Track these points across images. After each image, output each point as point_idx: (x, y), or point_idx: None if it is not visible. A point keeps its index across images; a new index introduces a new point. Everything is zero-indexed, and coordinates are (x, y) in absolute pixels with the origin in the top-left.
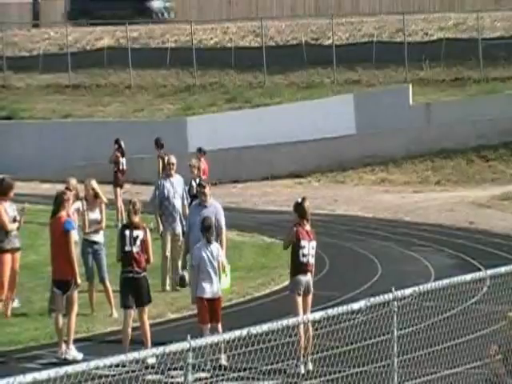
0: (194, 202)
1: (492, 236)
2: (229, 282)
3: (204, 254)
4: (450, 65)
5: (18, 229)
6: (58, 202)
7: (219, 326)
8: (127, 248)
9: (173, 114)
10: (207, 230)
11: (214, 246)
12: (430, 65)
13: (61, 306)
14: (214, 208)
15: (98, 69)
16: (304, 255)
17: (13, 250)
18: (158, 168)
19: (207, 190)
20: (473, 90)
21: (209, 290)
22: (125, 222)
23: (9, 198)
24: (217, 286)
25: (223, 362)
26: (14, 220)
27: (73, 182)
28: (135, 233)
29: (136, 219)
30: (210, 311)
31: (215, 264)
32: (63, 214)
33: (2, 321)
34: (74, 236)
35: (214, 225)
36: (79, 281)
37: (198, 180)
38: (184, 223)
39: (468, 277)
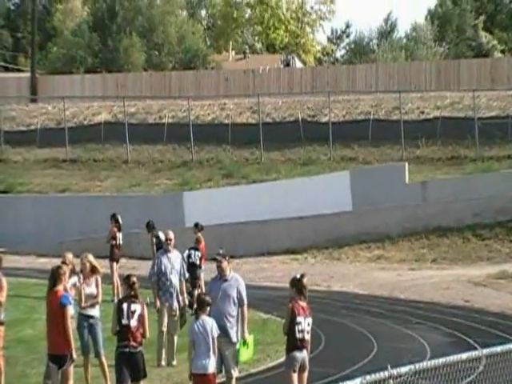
0: (211, 278)
1: (487, 314)
2: (250, 354)
3: (196, 330)
4: (446, 143)
5: None
6: (55, 276)
7: None
8: (124, 322)
9: (169, 189)
10: (199, 307)
11: (206, 321)
12: (426, 143)
13: (56, 380)
14: (236, 281)
15: (95, 143)
16: (300, 331)
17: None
18: (152, 248)
19: (224, 264)
20: (469, 168)
21: (201, 365)
22: (121, 296)
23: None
24: (210, 362)
25: None
26: None
27: (69, 256)
28: (133, 307)
29: (133, 293)
30: None
31: (208, 340)
32: (60, 288)
33: None
34: (71, 310)
35: (237, 297)
36: (75, 356)
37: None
38: (180, 299)
39: (464, 355)
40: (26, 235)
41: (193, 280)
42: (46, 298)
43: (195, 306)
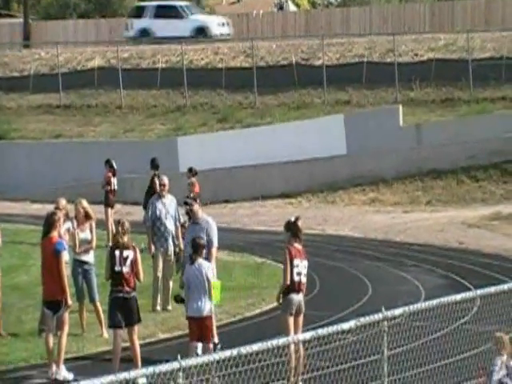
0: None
1: (482, 256)
2: (218, 297)
3: (191, 273)
4: (440, 85)
5: None
6: (49, 222)
7: (210, 345)
8: (117, 268)
9: (164, 135)
10: (194, 250)
11: (202, 264)
12: (421, 85)
13: (51, 326)
14: (206, 223)
15: (88, 89)
16: (297, 274)
17: None
18: (154, 188)
19: (195, 208)
20: (463, 110)
21: (196, 308)
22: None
23: None
24: (205, 305)
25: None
26: None
27: (62, 202)
28: (125, 253)
29: (125, 239)
30: (199, 330)
31: (203, 283)
32: (54, 234)
33: None
34: (65, 256)
35: (206, 239)
36: (70, 301)
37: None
38: (176, 243)
39: (458, 297)
40: (20, 181)
41: None
42: (41, 244)
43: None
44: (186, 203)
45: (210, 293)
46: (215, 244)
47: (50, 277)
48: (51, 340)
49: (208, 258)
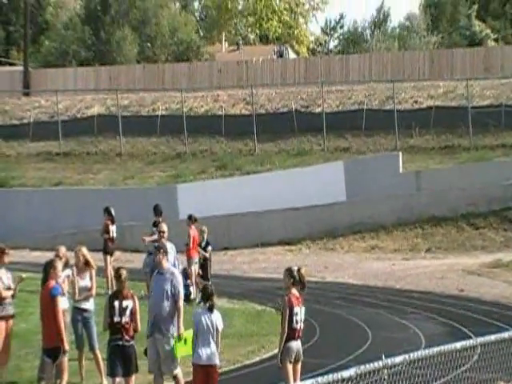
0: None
1: (482, 303)
2: (189, 349)
3: (203, 321)
4: (439, 132)
5: (12, 297)
6: (47, 270)
7: None
8: (116, 319)
9: (163, 182)
10: (208, 297)
11: (215, 314)
12: (420, 132)
13: (50, 374)
14: (171, 275)
15: (88, 137)
16: (297, 322)
17: (6, 318)
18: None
19: (158, 258)
20: (462, 157)
21: (204, 356)
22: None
23: (2, 263)
24: (213, 354)
25: None
26: (9, 288)
27: (62, 249)
28: (124, 303)
29: (124, 289)
30: (204, 378)
31: (213, 331)
32: (51, 281)
33: None
34: (64, 303)
35: (171, 291)
36: (67, 347)
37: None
38: None
39: (458, 344)
40: (19, 228)
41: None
42: (40, 292)
43: (196, 296)
44: (150, 253)
45: (218, 342)
46: (181, 296)
47: (48, 324)
48: None
49: (176, 311)
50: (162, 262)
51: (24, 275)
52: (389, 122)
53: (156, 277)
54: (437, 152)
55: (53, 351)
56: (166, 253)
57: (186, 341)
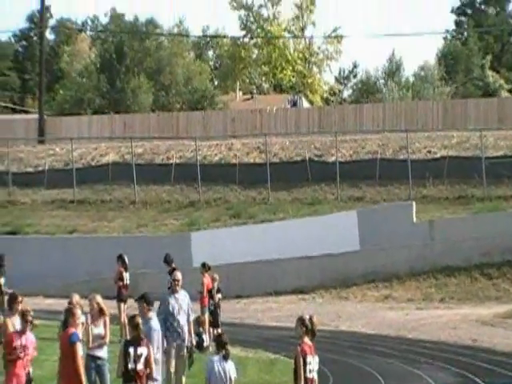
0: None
1: (495, 354)
2: None
3: (217, 369)
4: (453, 182)
5: None
6: (65, 318)
7: None
8: (131, 366)
9: (177, 230)
10: (223, 346)
11: (229, 363)
12: (434, 182)
13: None
14: (152, 325)
15: (102, 184)
16: (310, 371)
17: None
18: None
19: (141, 308)
20: (476, 207)
21: None
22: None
23: (16, 310)
24: None
25: None
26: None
27: (76, 297)
28: (139, 350)
29: (138, 335)
30: None
31: (226, 381)
32: (71, 328)
33: None
34: (80, 349)
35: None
36: None
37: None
38: (189, 339)
39: None
40: (33, 276)
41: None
42: (60, 339)
43: (209, 345)
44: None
45: None
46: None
47: (66, 370)
48: None
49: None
50: (147, 313)
51: (37, 322)
52: (402, 172)
53: (144, 322)
54: (450, 202)
55: None
56: (151, 304)
57: None
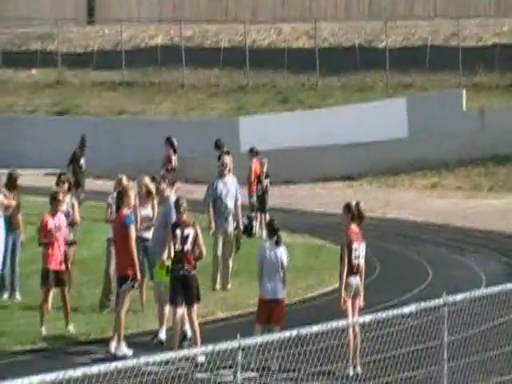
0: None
1: None
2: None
3: (269, 255)
4: (504, 70)
5: (72, 224)
6: (119, 198)
7: (278, 328)
8: (178, 247)
9: (225, 114)
10: (275, 232)
11: (281, 248)
12: (484, 70)
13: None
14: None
15: (151, 67)
16: (355, 257)
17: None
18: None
19: (162, 187)
20: None
21: (270, 290)
22: None
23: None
24: (278, 288)
25: (272, 366)
26: (67, 215)
27: (124, 179)
28: (186, 231)
29: (185, 217)
30: (269, 312)
31: (278, 266)
32: (125, 209)
33: (54, 315)
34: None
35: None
36: (139, 276)
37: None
38: (234, 224)
39: None
40: None
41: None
42: (113, 221)
43: (258, 230)
44: (153, 178)
45: (284, 276)
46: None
47: (119, 252)
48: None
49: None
50: (165, 192)
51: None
52: (453, 59)
53: (161, 206)
54: (501, 90)
55: (121, 279)
56: (172, 183)
57: (167, 270)
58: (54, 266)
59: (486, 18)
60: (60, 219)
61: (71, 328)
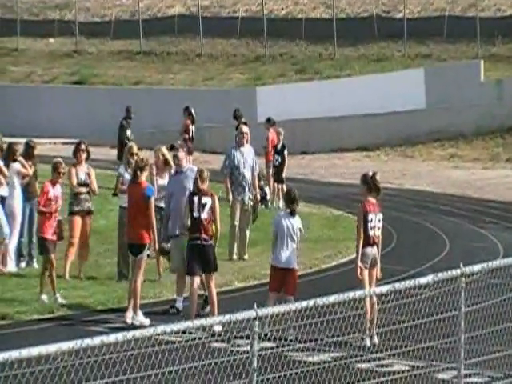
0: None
1: None
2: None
3: (284, 224)
4: None
5: (90, 193)
6: (139, 166)
7: (291, 298)
8: (195, 214)
9: (242, 84)
10: (292, 202)
11: (296, 218)
12: (503, 41)
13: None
14: (191, 172)
15: (168, 36)
16: (372, 228)
17: (82, 213)
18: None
19: (181, 155)
20: None
21: (283, 259)
22: None
23: (81, 160)
24: (292, 257)
25: (289, 336)
26: (84, 184)
27: (134, 147)
28: (203, 200)
29: (204, 186)
30: (281, 281)
31: (293, 235)
32: (143, 179)
33: (71, 284)
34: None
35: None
36: (157, 246)
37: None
38: (253, 193)
39: None
40: (100, 126)
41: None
42: (128, 189)
43: (271, 198)
44: (172, 147)
45: (297, 246)
46: None
47: (136, 221)
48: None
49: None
50: (184, 160)
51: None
52: (471, 30)
53: (175, 176)
54: None
55: (137, 247)
56: (190, 153)
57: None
58: (50, 235)
59: None
60: (58, 190)
61: (59, 296)
